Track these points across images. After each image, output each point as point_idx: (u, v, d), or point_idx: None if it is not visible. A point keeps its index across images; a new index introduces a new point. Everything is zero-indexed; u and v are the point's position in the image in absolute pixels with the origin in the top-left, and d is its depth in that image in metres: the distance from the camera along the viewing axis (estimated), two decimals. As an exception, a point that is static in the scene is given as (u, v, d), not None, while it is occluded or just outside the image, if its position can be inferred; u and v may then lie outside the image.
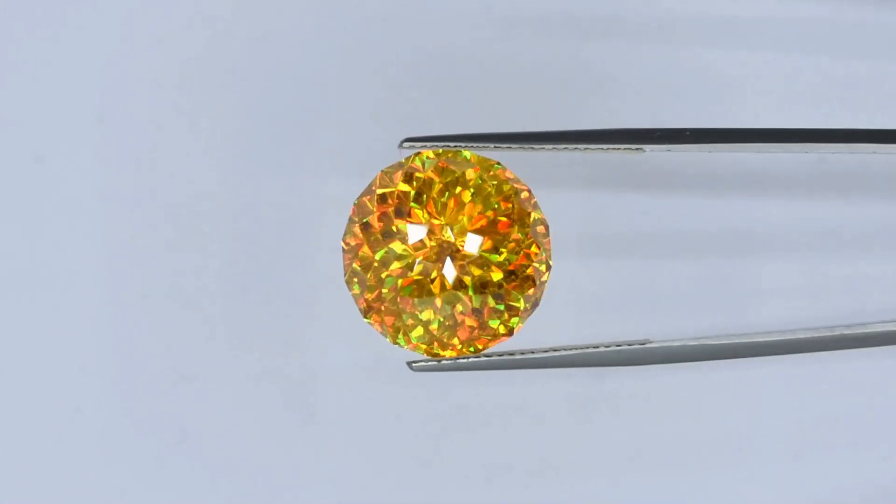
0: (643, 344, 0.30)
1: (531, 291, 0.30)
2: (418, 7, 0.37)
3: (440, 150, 0.30)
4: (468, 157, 0.30)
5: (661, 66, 0.37)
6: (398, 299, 0.30)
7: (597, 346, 0.30)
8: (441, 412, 0.38)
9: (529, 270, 0.30)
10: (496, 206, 0.30)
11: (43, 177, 0.37)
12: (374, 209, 0.30)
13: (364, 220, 0.30)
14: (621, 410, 0.38)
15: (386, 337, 0.31)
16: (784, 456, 0.38)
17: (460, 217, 0.30)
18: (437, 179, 0.30)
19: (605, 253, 0.37)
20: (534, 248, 0.30)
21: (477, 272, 0.30)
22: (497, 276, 0.30)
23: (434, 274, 0.30)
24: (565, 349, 0.30)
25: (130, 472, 0.38)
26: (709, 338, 0.30)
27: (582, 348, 0.30)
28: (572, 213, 0.37)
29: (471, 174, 0.30)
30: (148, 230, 0.37)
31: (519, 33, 0.37)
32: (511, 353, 0.30)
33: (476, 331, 0.30)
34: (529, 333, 0.32)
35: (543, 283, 0.30)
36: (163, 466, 0.38)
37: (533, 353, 0.30)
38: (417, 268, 0.30)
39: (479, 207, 0.30)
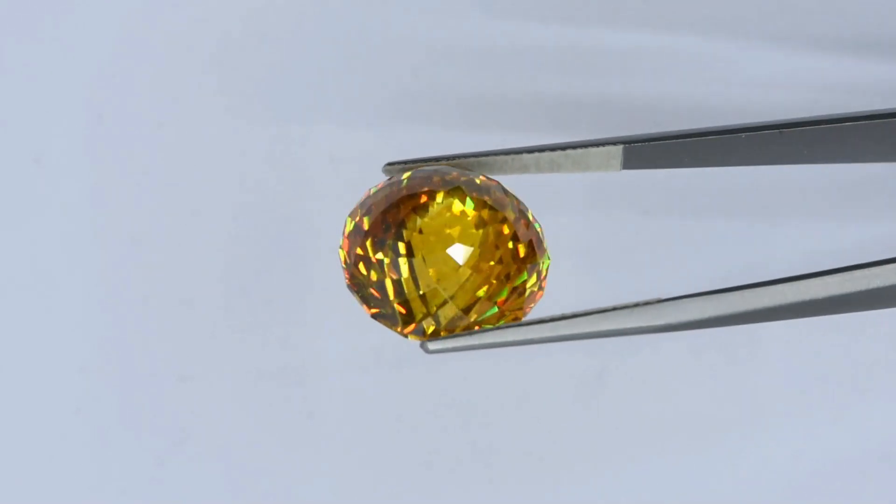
0: (659, 301, 0.29)
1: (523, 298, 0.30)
2: (417, 9, 0.37)
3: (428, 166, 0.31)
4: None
5: (654, 82, 0.37)
6: (391, 305, 0.30)
7: (609, 309, 0.29)
8: (441, 411, 0.38)
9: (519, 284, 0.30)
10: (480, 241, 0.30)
11: (42, 177, 0.37)
12: (363, 229, 0.30)
13: (353, 236, 0.31)
14: (622, 408, 0.38)
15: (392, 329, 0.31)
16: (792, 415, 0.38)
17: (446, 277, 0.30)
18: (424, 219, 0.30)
19: (603, 253, 0.37)
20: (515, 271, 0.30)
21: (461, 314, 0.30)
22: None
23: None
24: (576, 315, 0.29)
25: (130, 472, 0.38)
26: (722, 291, 0.29)
27: (595, 312, 0.29)
28: (570, 211, 0.37)
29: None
30: (148, 230, 0.37)
31: (514, 39, 0.37)
32: (524, 324, 0.29)
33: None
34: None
35: (540, 285, 0.30)
36: (163, 466, 0.38)
37: (544, 321, 0.29)
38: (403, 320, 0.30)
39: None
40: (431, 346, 0.29)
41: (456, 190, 0.30)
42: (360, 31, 0.37)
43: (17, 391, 0.38)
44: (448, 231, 0.30)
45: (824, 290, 0.28)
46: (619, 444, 0.38)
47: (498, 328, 0.29)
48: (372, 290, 0.30)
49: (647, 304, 0.29)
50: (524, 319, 0.30)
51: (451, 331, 0.30)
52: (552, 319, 0.29)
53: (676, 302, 0.29)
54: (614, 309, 0.29)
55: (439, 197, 0.30)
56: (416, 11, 0.37)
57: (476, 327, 0.30)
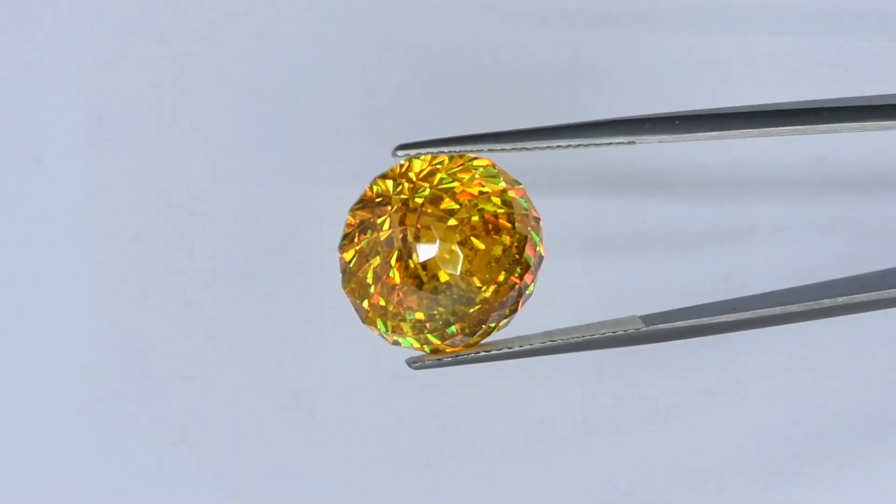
0: (638, 328, 0.30)
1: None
2: (416, 9, 0.37)
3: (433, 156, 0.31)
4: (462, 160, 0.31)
5: (659, 58, 0.37)
6: (386, 296, 0.30)
7: (593, 333, 0.30)
8: (441, 413, 0.38)
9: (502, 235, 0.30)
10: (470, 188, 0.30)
11: (42, 177, 0.37)
12: (364, 216, 0.31)
13: (353, 230, 0.31)
14: (622, 408, 0.38)
15: (385, 338, 0.31)
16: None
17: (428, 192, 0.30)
18: (420, 177, 0.30)
19: (603, 252, 0.37)
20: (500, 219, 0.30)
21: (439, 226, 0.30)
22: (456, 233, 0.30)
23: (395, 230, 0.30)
24: (562, 337, 0.30)
25: (130, 471, 0.38)
26: (700, 308, 0.30)
27: (578, 335, 0.30)
28: (571, 213, 0.37)
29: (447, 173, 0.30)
30: (148, 230, 0.37)
31: (514, 33, 0.37)
32: (509, 346, 0.30)
33: (466, 328, 0.30)
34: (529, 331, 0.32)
35: (533, 272, 0.30)
36: (163, 466, 0.38)
37: (531, 344, 0.30)
38: (384, 234, 0.30)
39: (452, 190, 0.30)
40: (416, 364, 0.30)
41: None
42: (362, 29, 0.37)
43: (17, 391, 0.38)
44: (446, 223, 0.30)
45: (804, 311, 0.30)
46: (620, 445, 0.38)
47: (480, 355, 0.30)
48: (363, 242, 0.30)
49: (628, 331, 0.30)
50: (507, 338, 0.30)
51: (436, 351, 0.31)
52: (539, 340, 0.30)
53: (657, 328, 0.30)
54: (597, 333, 0.30)
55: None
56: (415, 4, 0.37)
57: (466, 347, 0.31)
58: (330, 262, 0.35)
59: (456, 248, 0.30)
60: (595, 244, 0.38)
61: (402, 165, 0.31)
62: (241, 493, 0.38)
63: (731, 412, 0.38)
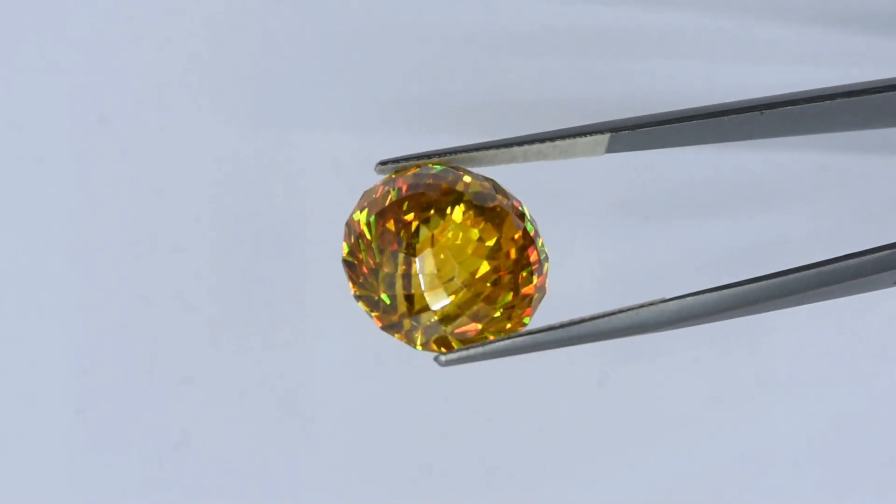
0: (663, 301, 0.29)
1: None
2: (415, 14, 0.37)
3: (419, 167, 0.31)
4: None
5: (652, 84, 0.37)
6: (399, 317, 0.30)
7: (615, 312, 0.29)
8: (441, 413, 0.38)
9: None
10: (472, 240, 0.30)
11: (44, 178, 0.37)
12: (360, 232, 0.31)
13: (352, 244, 0.31)
14: (623, 413, 0.38)
15: (410, 345, 0.31)
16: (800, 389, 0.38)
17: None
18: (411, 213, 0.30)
19: (616, 232, 0.38)
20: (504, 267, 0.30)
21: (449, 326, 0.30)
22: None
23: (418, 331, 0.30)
24: (584, 320, 0.30)
25: (131, 472, 0.38)
26: (725, 287, 0.30)
27: (602, 316, 0.30)
28: (576, 201, 0.37)
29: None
30: (149, 232, 0.37)
31: (514, 45, 0.37)
32: (534, 332, 0.30)
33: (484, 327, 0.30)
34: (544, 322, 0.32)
35: (543, 276, 0.30)
36: (163, 467, 0.38)
37: (553, 328, 0.29)
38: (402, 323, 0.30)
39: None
40: (444, 358, 0.30)
41: (458, 200, 0.30)
42: (356, 35, 0.37)
43: (17, 391, 0.38)
44: (448, 245, 0.30)
45: (818, 279, 0.29)
46: (620, 449, 0.38)
47: (509, 338, 0.29)
48: (364, 270, 0.30)
49: (651, 304, 0.30)
50: (535, 327, 0.30)
51: (462, 342, 0.30)
52: (561, 326, 0.29)
53: (679, 301, 0.30)
54: (619, 312, 0.29)
55: (446, 208, 0.30)
56: (409, 16, 0.37)
57: (489, 337, 0.30)
58: (330, 264, 0.35)
59: (456, 271, 0.30)
60: (600, 238, 0.38)
61: (386, 189, 0.31)
62: (242, 494, 0.38)
63: (736, 416, 0.38)
